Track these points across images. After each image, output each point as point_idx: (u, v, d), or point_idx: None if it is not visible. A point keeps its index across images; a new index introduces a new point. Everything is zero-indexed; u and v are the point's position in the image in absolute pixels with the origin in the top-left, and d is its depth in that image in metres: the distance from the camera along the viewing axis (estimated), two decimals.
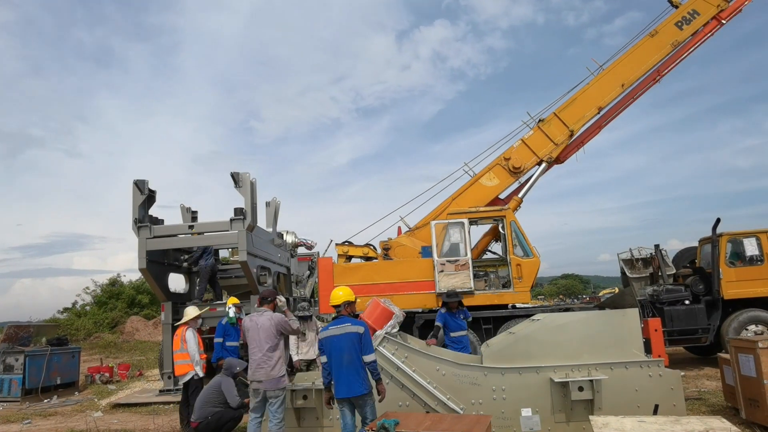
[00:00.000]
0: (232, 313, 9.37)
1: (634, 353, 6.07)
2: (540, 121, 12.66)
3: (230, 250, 15.98)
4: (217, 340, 9.33)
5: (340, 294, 5.48)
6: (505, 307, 11.30)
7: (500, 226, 11.57)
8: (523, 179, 12.73)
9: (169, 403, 10.49)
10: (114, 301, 31.50)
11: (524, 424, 5.93)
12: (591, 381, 5.79)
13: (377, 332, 6.68)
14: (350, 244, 12.15)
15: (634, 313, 6.31)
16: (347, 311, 5.49)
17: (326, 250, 12.75)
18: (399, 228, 12.59)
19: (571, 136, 12.53)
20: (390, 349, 6.39)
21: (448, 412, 5.99)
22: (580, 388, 5.80)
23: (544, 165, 12.52)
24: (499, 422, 5.93)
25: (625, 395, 5.86)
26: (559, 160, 12.82)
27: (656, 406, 5.76)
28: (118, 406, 10.63)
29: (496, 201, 12.53)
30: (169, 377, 11.43)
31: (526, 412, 5.96)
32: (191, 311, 8.08)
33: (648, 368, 5.92)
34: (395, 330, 6.81)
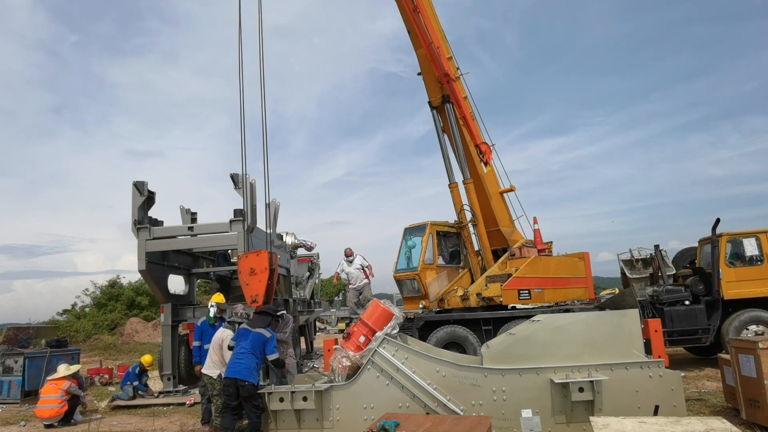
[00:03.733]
0: (212, 312, 9.00)
1: (635, 354, 6.06)
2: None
3: (230, 251, 15.99)
4: (195, 343, 9.18)
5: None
6: (505, 307, 11.30)
7: None
8: None
9: (169, 404, 10.48)
10: (113, 302, 31.46)
11: (525, 425, 5.92)
12: (591, 382, 5.79)
13: (377, 333, 6.67)
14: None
15: (634, 313, 6.31)
16: None
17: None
18: (537, 231, 12.90)
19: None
20: (390, 351, 6.38)
21: (449, 413, 5.98)
22: (581, 389, 5.79)
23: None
24: (500, 423, 5.93)
25: (625, 396, 5.85)
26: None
27: (656, 407, 5.76)
28: (117, 408, 10.61)
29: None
30: (169, 379, 11.43)
31: (526, 413, 5.95)
32: (63, 369, 9.76)
33: (648, 369, 5.91)
34: (395, 331, 6.79)
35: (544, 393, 5.97)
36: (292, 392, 6.34)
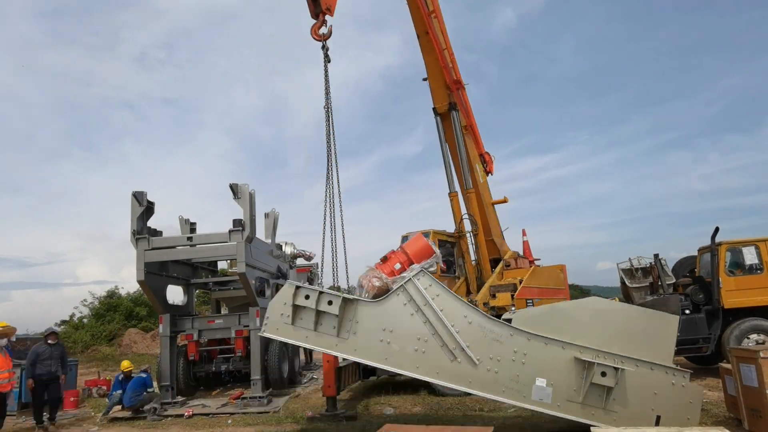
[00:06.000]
0: None
1: (664, 358, 5.94)
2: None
3: (228, 261, 15.93)
4: None
5: None
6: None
7: None
8: None
9: (168, 416, 10.39)
10: (111, 313, 31.31)
11: (536, 392, 5.79)
12: (617, 369, 5.67)
13: (413, 265, 6.56)
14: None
15: (674, 320, 6.17)
16: None
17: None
18: (526, 242, 13.10)
19: None
20: (424, 284, 6.19)
21: (465, 359, 5.88)
22: (603, 374, 5.68)
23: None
24: (511, 385, 5.83)
25: (643, 395, 5.76)
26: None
27: (658, 417, 5.72)
28: (115, 419, 10.52)
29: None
30: (167, 390, 11.35)
31: (540, 381, 5.82)
32: None
33: (673, 376, 5.81)
34: (432, 269, 6.66)
35: (564, 368, 5.84)
36: (320, 293, 6.17)
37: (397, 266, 6.72)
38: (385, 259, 6.89)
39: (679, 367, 5.99)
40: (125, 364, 11.80)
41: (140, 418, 10.34)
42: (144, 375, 10.98)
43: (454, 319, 6.06)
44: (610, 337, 6.01)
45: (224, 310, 15.42)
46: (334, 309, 6.06)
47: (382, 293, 6.35)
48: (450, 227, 12.67)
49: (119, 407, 10.86)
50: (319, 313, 6.13)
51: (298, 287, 6.22)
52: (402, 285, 6.22)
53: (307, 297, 6.14)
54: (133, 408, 10.51)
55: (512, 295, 11.08)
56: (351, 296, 6.27)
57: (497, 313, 11.22)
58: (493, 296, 11.28)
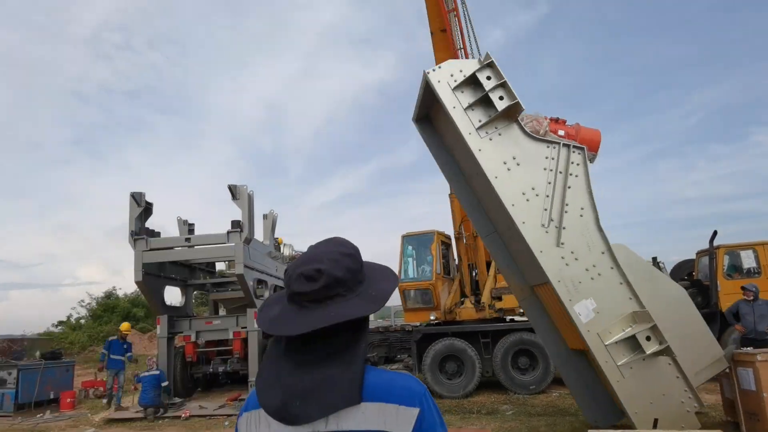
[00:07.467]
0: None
1: (694, 379, 5.97)
2: None
3: (227, 262, 15.93)
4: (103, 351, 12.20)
5: None
6: (503, 320, 11.26)
7: None
8: None
9: (164, 417, 10.37)
10: (109, 314, 31.26)
11: (581, 306, 5.84)
12: (663, 345, 5.59)
13: (576, 143, 6.48)
14: None
15: (723, 363, 6.41)
16: None
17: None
18: None
19: None
20: (575, 159, 6.15)
21: (553, 234, 5.91)
22: (648, 338, 5.65)
23: None
24: (568, 283, 5.90)
25: (655, 386, 5.81)
26: None
27: (656, 420, 5.72)
28: (112, 421, 10.49)
29: None
30: (166, 391, 11.32)
31: (592, 303, 5.84)
32: None
33: (688, 398, 5.85)
34: (588, 158, 6.63)
35: (617, 311, 5.86)
36: (505, 82, 5.97)
37: (561, 132, 6.71)
38: (556, 120, 6.85)
39: (698, 396, 5.92)
40: (126, 326, 12.65)
41: (139, 418, 10.33)
42: (158, 372, 10.88)
43: (572, 202, 6.02)
44: (667, 324, 5.87)
45: (222, 312, 15.40)
46: (499, 105, 5.91)
47: (532, 134, 6.25)
48: (449, 228, 12.64)
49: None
50: (483, 99, 6.01)
51: (489, 64, 6.00)
52: (558, 143, 6.15)
53: (488, 78, 5.99)
54: (151, 407, 10.41)
55: None
56: (520, 111, 6.08)
57: (504, 315, 11.19)
58: (499, 298, 11.21)
